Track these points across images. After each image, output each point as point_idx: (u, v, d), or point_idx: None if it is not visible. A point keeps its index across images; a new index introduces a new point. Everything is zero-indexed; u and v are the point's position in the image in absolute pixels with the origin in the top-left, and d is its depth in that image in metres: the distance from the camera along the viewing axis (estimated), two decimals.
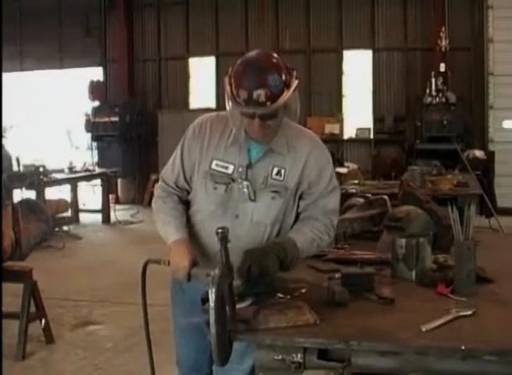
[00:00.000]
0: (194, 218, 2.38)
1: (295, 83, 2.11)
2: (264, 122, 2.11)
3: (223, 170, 2.27)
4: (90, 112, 12.79)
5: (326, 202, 2.33)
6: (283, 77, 2.07)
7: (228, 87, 2.11)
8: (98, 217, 10.52)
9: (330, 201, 2.34)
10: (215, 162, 2.28)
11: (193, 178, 2.35)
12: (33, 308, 4.46)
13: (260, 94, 2.04)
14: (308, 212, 2.34)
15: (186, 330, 2.42)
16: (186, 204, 2.41)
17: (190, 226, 2.38)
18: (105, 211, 10.51)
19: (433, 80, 10.84)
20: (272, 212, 2.27)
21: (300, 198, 2.34)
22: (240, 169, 2.25)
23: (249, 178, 2.25)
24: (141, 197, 12.10)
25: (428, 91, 10.90)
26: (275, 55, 2.15)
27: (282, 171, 2.26)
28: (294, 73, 2.13)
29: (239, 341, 1.90)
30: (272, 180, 2.25)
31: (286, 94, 2.07)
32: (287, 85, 2.08)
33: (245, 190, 2.24)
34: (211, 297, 1.79)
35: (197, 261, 2.21)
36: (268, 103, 2.05)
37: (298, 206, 2.35)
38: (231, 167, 2.26)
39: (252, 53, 2.16)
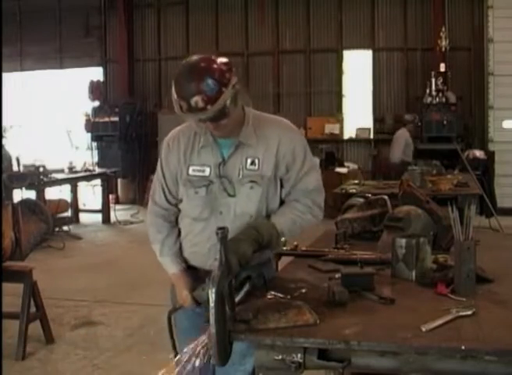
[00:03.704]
0: (183, 222, 2.43)
1: (233, 79, 2.13)
2: (217, 123, 2.16)
3: (200, 174, 2.32)
4: (90, 112, 12.79)
5: (305, 184, 2.36)
6: (217, 78, 2.09)
7: (173, 100, 2.15)
8: (98, 217, 10.52)
9: (309, 182, 2.37)
10: (191, 168, 2.34)
11: (179, 189, 2.40)
12: (33, 308, 4.46)
13: (197, 100, 2.07)
14: (290, 196, 2.38)
15: (188, 333, 2.40)
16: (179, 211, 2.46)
17: (180, 228, 2.44)
18: (105, 211, 10.51)
19: (433, 80, 10.84)
20: (253, 201, 2.31)
21: (282, 185, 2.37)
22: (216, 169, 2.31)
23: (224, 174, 2.30)
24: (141, 197, 12.09)
25: (428, 91, 10.90)
26: (208, 57, 2.17)
27: (256, 160, 2.30)
28: (233, 69, 2.15)
29: (239, 340, 1.90)
30: (247, 171, 2.30)
31: (226, 93, 2.10)
32: (225, 84, 2.10)
33: (222, 186, 2.30)
34: (211, 297, 1.79)
35: (195, 283, 2.28)
36: (209, 106, 2.08)
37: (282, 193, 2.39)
38: (207, 169, 2.32)
39: (183, 63, 2.18)
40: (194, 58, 2.18)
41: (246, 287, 2.08)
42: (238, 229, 2.22)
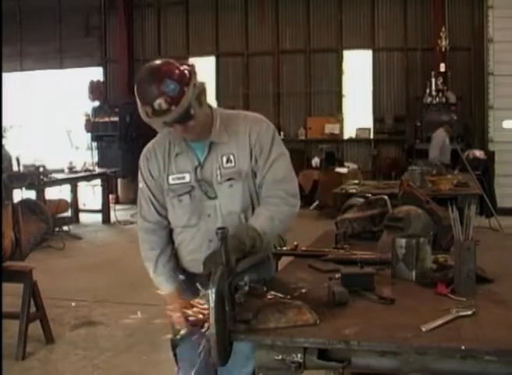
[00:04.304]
0: (173, 232, 2.43)
1: (194, 78, 2.13)
2: (184, 124, 2.16)
3: (181, 181, 2.32)
4: (90, 112, 12.79)
5: (273, 174, 2.32)
6: (177, 79, 2.09)
7: (139, 107, 2.16)
8: (98, 217, 10.51)
9: (277, 171, 2.32)
10: (171, 177, 2.34)
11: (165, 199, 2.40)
12: (33, 308, 4.46)
13: (160, 103, 2.07)
14: (263, 190, 2.34)
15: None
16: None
17: (173, 237, 2.44)
18: (105, 211, 10.51)
19: (433, 80, 10.86)
20: (236, 199, 2.31)
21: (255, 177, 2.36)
22: (194, 173, 2.31)
23: (201, 178, 2.30)
24: None
25: (428, 91, 10.92)
26: (166, 60, 2.17)
27: (231, 157, 2.30)
28: (193, 68, 2.15)
29: (239, 341, 1.90)
30: (224, 170, 2.30)
31: (188, 93, 2.10)
32: (186, 83, 2.10)
33: (202, 190, 2.30)
34: (211, 297, 1.79)
35: (187, 301, 2.22)
36: (173, 107, 2.08)
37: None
38: (187, 175, 2.32)
39: (142, 70, 2.18)
40: (152, 63, 2.18)
41: (237, 294, 2.06)
42: (231, 228, 2.21)
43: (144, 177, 2.42)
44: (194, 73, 2.15)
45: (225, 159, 2.30)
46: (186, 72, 2.12)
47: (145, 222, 2.43)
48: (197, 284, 2.09)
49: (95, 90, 12.88)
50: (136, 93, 2.14)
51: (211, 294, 1.80)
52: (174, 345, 2.40)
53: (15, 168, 8.55)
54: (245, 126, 2.33)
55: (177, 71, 2.11)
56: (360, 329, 1.85)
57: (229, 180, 2.29)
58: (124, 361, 4.31)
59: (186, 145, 2.31)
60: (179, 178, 2.32)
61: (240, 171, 2.30)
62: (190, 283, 2.37)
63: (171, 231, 2.45)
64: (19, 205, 4.62)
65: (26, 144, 12.99)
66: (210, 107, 2.31)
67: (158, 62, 2.17)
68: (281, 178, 2.32)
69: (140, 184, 2.44)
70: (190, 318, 2.06)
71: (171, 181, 2.34)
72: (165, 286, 2.39)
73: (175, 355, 2.44)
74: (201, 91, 2.17)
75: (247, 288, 2.07)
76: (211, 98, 14.06)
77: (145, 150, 2.44)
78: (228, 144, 2.30)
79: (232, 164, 2.30)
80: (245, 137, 2.31)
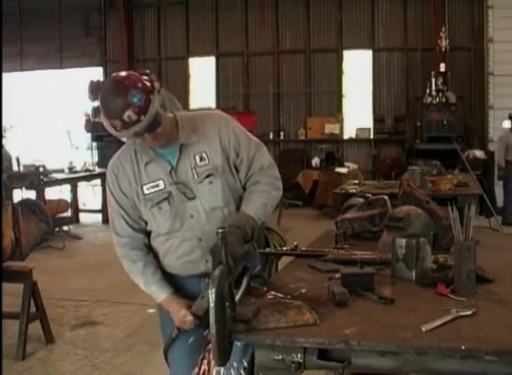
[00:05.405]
0: (157, 241, 2.39)
1: (156, 86, 2.14)
2: (154, 132, 2.16)
3: (156, 189, 2.31)
4: (90, 112, 12.78)
5: (258, 163, 2.37)
6: (141, 88, 2.10)
7: (105, 123, 2.17)
8: (98, 217, 10.53)
9: (261, 160, 2.39)
10: (145, 187, 2.32)
11: (141, 212, 2.36)
12: (33, 308, 4.46)
13: (129, 115, 2.08)
14: (250, 179, 2.38)
15: (177, 342, 2.38)
16: (147, 236, 2.41)
17: (156, 249, 2.40)
18: (105, 211, 10.50)
19: (433, 80, 10.85)
20: (217, 194, 2.31)
21: (237, 171, 2.37)
22: (169, 178, 2.30)
23: (177, 180, 2.29)
24: None
25: (428, 91, 10.92)
26: (126, 72, 2.18)
27: (204, 154, 2.31)
28: (152, 76, 2.17)
29: (239, 341, 1.91)
30: (200, 168, 2.31)
31: (154, 100, 2.11)
32: (150, 91, 2.11)
33: (180, 192, 2.29)
34: (211, 297, 1.79)
35: (189, 301, 2.24)
36: (142, 117, 2.09)
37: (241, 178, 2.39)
38: (161, 182, 2.30)
39: (103, 86, 2.18)
40: (111, 78, 2.18)
41: (245, 279, 2.07)
42: (215, 224, 2.21)
43: (114, 194, 2.39)
44: (154, 78, 2.16)
45: (198, 158, 2.31)
46: (147, 79, 2.14)
47: (117, 236, 2.39)
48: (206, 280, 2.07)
49: (95, 90, 12.81)
50: (101, 109, 2.13)
51: (211, 294, 1.80)
52: (167, 348, 2.39)
53: (15, 168, 8.56)
54: (212, 123, 2.35)
55: (139, 80, 2.12)
56: (360, 329, 1.85)
57: (207, 177, 2.30)
58: (124, 361, 4.31)
59: (155, 153, 2.30)
60: (153, 186, 2.31)
61: (215, 167, 2.31)
62: (178, 290, 2.36)
63: (149, 240, 2.40)
64: (19, 205, 4.63)
65: (26, 144, 12.99)
66: (171, 112, 2.31)
67: (118, 74, 2.18)
68: (266, 166, 2.39)
69: (110, 200, 2.41)
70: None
71: (146, 191, 2.32)
72: (159, 293, 2.35)
73: (166, 358, 2.42)
74: (164, 96, 2.18)
75: (247, 278, 2.08)
76: (211, 98, 13.92)
77: (111, 165, 2.41)
78: (198, 144, 2.31)
79: (207, 161, 2.31)
80: (215, 134, 2.32)
